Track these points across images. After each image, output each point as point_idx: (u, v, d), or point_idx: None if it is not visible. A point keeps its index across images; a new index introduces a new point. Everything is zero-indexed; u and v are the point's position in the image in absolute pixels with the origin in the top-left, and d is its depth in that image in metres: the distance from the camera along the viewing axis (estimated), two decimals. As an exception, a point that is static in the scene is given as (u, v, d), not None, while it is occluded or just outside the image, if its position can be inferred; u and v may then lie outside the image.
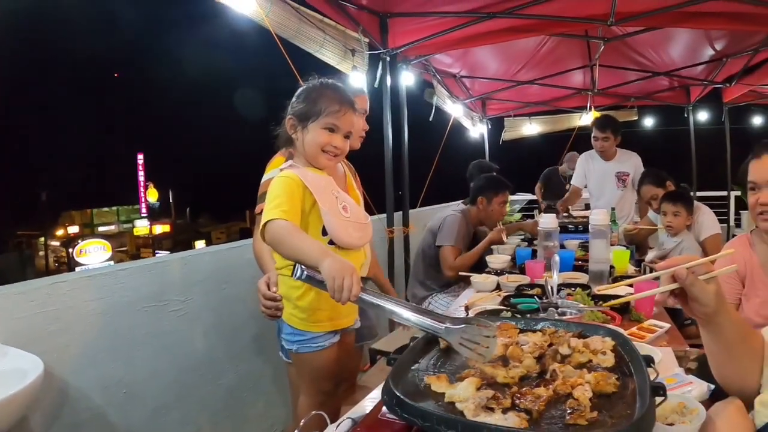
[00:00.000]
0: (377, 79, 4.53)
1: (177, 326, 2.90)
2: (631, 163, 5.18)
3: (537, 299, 2.36)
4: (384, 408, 1.28)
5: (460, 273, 3.63)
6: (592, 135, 5.20)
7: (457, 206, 4.14)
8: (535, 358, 1.36)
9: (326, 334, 2.08)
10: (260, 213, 2.12)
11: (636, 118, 9.02)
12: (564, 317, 2.02)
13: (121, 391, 2.60)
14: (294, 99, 2.06)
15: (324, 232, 1.97)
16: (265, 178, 2.32)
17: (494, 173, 4.52)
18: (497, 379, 1.28)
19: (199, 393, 3.02)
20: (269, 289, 2.07)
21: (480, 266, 3.87)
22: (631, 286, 2.71)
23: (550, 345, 1.42)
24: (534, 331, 1.55)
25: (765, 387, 1.27)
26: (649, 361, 1.31)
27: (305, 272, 1.63)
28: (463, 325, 1.47)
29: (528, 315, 2.10)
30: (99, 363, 2.51)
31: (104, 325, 2.53)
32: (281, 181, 1.93)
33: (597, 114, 7.39)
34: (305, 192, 1.94)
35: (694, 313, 1.30)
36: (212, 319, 3.11)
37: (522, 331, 1.57)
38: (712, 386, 1.57)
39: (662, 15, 4.28)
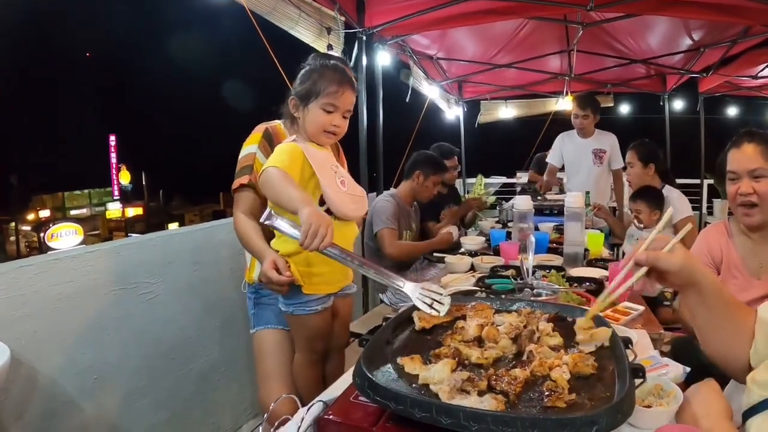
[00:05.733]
0: (353, 59, 4.46)
1: (147, 310, 2.82)
2: (609, 141, 5.32)
3: (512, 280, 2.34)
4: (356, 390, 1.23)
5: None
6: (573, 113, 5.33)
7: (387, 193, 4.07)
8: (511, 338, 1.33)
9: (320, 297, 2.15)
10: (237, 188, 2.25)
11: (612, 104, 9.07)
12: (539, 298, 1.99)
13: (91, 377, 2.52)
14: (297, 79, 2.17)
15: (321, 203, 2.05)
16: (242, 153, 2.32)
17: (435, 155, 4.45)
18: (471, 359, 1.24)
19: (171, 378, 2.96)
20: (281, 274, 2.04)
21: (455, 247, 3.86)
22: (605, 268, 2.73)
23: (526, 326, 1.39)
24: (509, 312, 1.52)
25: (757, 364, 1.25)
26: (627, 342, 1.28)
27: (273, 218, 1.78)
28: (418, 284, 1.62)
29: (503, 295, 2.08)
30: (68, 349, 2.43)
31: (72, 309, 2.45)
32: (286, 147, 2.05)
33: (573, 99, 7.44)
34: (305, 163, 2.04)
35: (674, 286, 1.30)
36: (183, 301, 3.03)
37: (497, 311, 1.54)
38: (688, 369, 1.56)
39: (642, 2, 4.29)
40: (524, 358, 1.25)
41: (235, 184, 2.26)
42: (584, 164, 5.35)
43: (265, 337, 2.40)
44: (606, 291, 1.37)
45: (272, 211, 1.81)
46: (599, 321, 1.39)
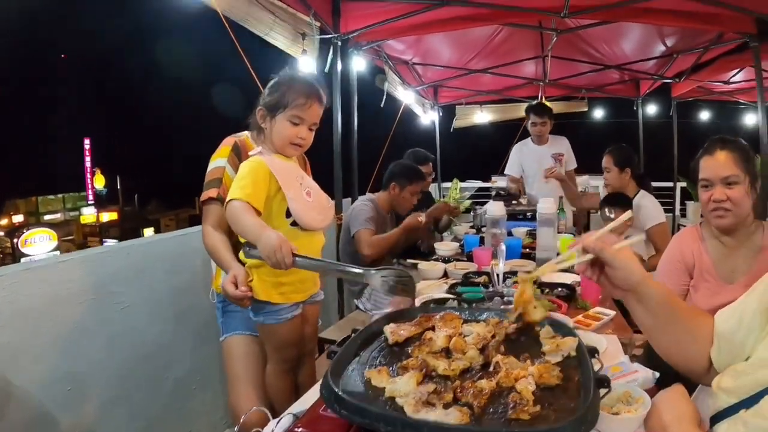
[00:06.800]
0: (327, 64, 4.45)
1: (121, 318, 2.80)
2: (564, 145, 5.64)
3: (482, 288, 2.34)
4: (325, 403, 1.23)
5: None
6: (530, 121, 5.58)
7: (365, 197, 4.09)
8: (479, 349, 1.34)
9: (290, 306, 2.20)
10: (206, 201, 2.26)
11: (586, 109, 9.18)
12: (510, 306, 2.01)
13: (66, 387, 2.50)
14: (266, 90, 2.19)
15: (288, 214, 2.11)
16: (211, 166, 2.31)
17: (414, 163, 4.47)
18: (438, 371, 1.25)
19: (147, 387, 2.94)
20: (237, 288, 2.05)
21: (428, 253, 3.87)
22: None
23: (494, 336, 1.40)
24: (478, 321, 1.52)
25: (721, 369, 1.28)
26: (593, 352, 1.29)
27: (249, 252, 1.94)
28: (382, 271, 1.71)
29: (473, 304, 2.09)
30: (42, 359, 2.41)
31: (47, 319, 2.43)
32: (249, 165, 2.09)
33: (547, 104, 7.56)
34: (271, 178, 2.08)
35: (615, 284, 1.32)
36: (157, 310, 3.02)
37: (466, 321, 1.54)
38: (657, 374, 1.58)
39: (616, 9, 4.34)
40: (491, 369, 1.26)
41: (204, 196, 2.27)
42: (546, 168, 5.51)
43: (233, 343, 2.42)
44: (552, 261, 1.40)
45: (246, 245, 1.96)
46: (567, 331, 1.40)
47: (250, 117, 2.24)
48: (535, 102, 6.25)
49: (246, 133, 2.35)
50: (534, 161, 5.64)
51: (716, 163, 2.24)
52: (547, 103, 7.16)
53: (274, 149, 2.18)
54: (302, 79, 2.19)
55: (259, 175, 2.05)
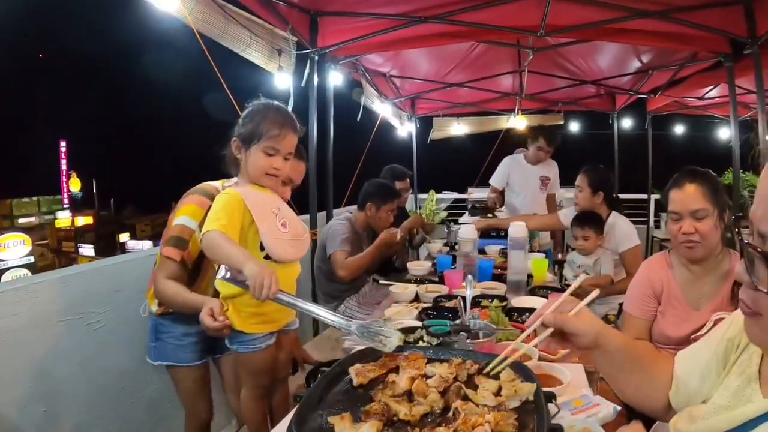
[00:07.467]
0: (304, 79, 4.45)
1: (95, 339, 2.81)
2: (553, 170, 5.70)
3: (449, 322, 2.34)
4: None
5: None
6: (536, 145, 5.54)
7: (341, 214, 4.15)
8: (440, 392, 1.35)
9: (264, 335, 2.20)
10: (167, 257, 2.27)
11: (562, 122, 9.26)
12: (477, 339, 2.02)
13: (40, 410, 2.50)
14: (240, 120, 2.18)
15: (262, 247, 2.10)
16: (180, 221, 2.32)
17: (387, 181, 4.51)
18: (400, 416, 1.26)
19: (121, 407, 2.95)
20: (216, 320, 2.06)
21: (401, 270, 3.88)
22: (546, 297, 2.79)
23: (456, 378, 1.41)
24: (441, 362, 1.53)
25: (677, 408, 1.30)
26: (550, 397, 1.31)
27: (229, 273, 1.88)
28: (364, 322, 1.71)
29: (440, 338, 2.10)
30: (16, 382, 2.41)
31: (20, 342, 2.43)
32: (224, 199, 2.09)
33: (523, 117, 7.65)
34: (245, 211, 2.08)
35: (579, 347, 1.35)
36: (131, 330, 3.00)
37: (430, 360, 1.55)
38: (619, 407, 1.61)
39: (591, 29, 4.39)
40: (450, 414, 1.28)
41: (166, 251, 2.27)
42: (530, 189, 5.63)
43: (178, 374, 2.53)
44: (509, 348, 1.40)
45: (224, 269, 1.90)
46: (527, 375, 1.42)
47: (225, 150, 2.22)
48: (546, 130, 6.25)
49: (217, 185, 2.38)
50: (522, 177, 5.70)
51: (685, 196, 2.28)
52: (524, 119, 7.24)
53: (250, 180, 2.18)
54: (276, 109, 2.19)
55: (234, 209, 2.05)
